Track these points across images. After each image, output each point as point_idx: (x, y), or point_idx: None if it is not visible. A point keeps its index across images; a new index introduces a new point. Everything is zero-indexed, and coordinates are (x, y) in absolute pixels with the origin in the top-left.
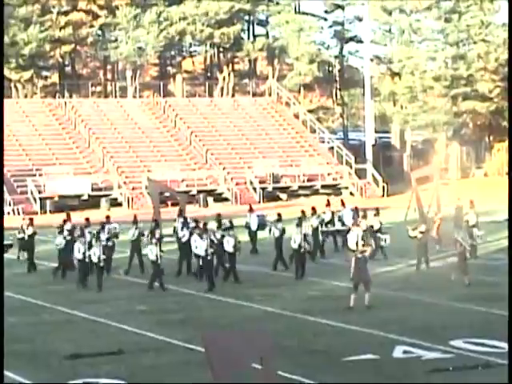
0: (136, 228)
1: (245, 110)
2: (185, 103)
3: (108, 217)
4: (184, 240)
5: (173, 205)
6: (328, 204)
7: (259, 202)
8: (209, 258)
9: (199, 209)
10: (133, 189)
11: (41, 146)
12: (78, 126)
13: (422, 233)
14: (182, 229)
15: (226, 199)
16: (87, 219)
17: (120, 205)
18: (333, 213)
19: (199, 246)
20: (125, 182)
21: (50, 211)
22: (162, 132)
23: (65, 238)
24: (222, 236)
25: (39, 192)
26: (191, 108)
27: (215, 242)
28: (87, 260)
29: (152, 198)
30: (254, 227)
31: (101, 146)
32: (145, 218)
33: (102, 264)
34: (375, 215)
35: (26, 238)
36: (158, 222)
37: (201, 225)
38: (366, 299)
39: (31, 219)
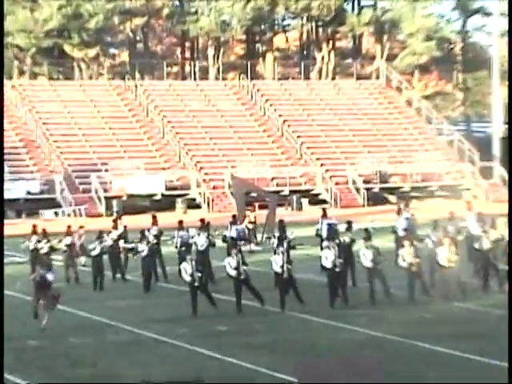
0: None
1: (347, 95)
2: (276, 87)
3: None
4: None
5: (260, 207)
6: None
7: (363, 205)
8: (285, 275)
9: (292, 212)
10: (214, 188)
11: (107, 136)
12: (151, 113)
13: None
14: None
15: (324, 201)
16: (180, 222)
17: (199, 206)
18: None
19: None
20: (204, 180)
21: (117, 213)
22: (249, 121)
23: (148, 243)
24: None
25: (105, 190)
26: (283, 93)
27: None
28: (196, 283)
29: (236, 199)
30: (325, 236)
31: (177, 137)
32: (227, 223)
33: (196, 284)
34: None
35: (111, 243)
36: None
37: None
38: None
39: (115, 220)
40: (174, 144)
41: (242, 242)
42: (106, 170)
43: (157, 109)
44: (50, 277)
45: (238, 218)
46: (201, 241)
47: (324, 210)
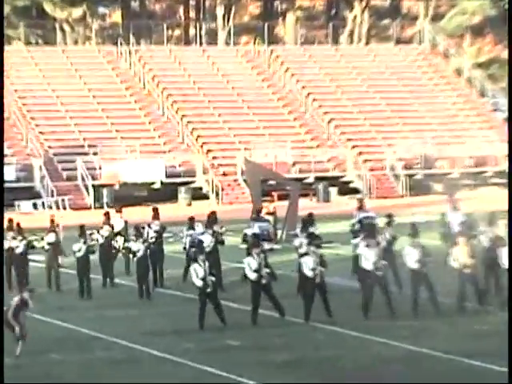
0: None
1: (384, 62)
2: (299, 53)
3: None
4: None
5: (280, 198)
6: None
7: (403, 195)
8: (317, 280)
9: (318, 204)
10: (224, 174)
11: (95, 112)
12: (148, 84)
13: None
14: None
15: (356, 190)
16: (191, 218)
17: (206, 197)
18: None
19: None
20: (212, 165)
21: (107, 205)
22: (266, 94)
23: (145, 242)
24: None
25: (93, 178)
26: (308, 60)
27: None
28: (209, 289)
29: (251, 187)
30: (361, 232)
31: (179, 114)
32: (240, 216)
33: (209, 289)
34: None
35: (102, 241)
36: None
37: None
38: None
39: (107, 213)
40: (175, 122)
41: (266, 242)
42: (95, 154)
43: (155, 80)
44: (30, 302)
45: (252, 210)
46: (207, 239)
47: (361, 200)
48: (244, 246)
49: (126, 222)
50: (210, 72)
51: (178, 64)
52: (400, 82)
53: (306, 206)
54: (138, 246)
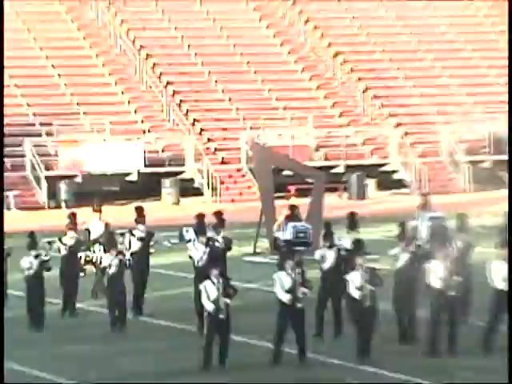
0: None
1: (440, 10)
2: (329, 6)
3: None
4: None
5: (299, 193)
6: None
7: (464, 190)
8: (366, 303)
9: (350, 202)
10: (223, 162)
11: (50, 79)
12: (122, 40)
13: None
14: None
15: (401, 183)
16: (200, 216)
17: (199, 193)
18: None
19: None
20: (208, 150)
21: (66, 203)
22: (281, 54)
23: (119, 254)
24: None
25: (47, 168)
26: (336, 8)
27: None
28: (222, 315)
29: (259, 180)
30: (428, 238)
31: (164, 81)
32: (244, 218)
33: (221, 315)
34: None
35: (65, 252)
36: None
37: None
38: None
39: (73, 215)
40: (158, 92)
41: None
42: (49, 134)
43: (130, 35)
44: None
45: (262, 211)
46: (199, 250)
47: (425, 196)
48: (250, 258)
49: (107, 226)
50: (203, 24)
51: (161, 14)
52: (460, 37)
53: (333, 203)
54: (109, 260)
